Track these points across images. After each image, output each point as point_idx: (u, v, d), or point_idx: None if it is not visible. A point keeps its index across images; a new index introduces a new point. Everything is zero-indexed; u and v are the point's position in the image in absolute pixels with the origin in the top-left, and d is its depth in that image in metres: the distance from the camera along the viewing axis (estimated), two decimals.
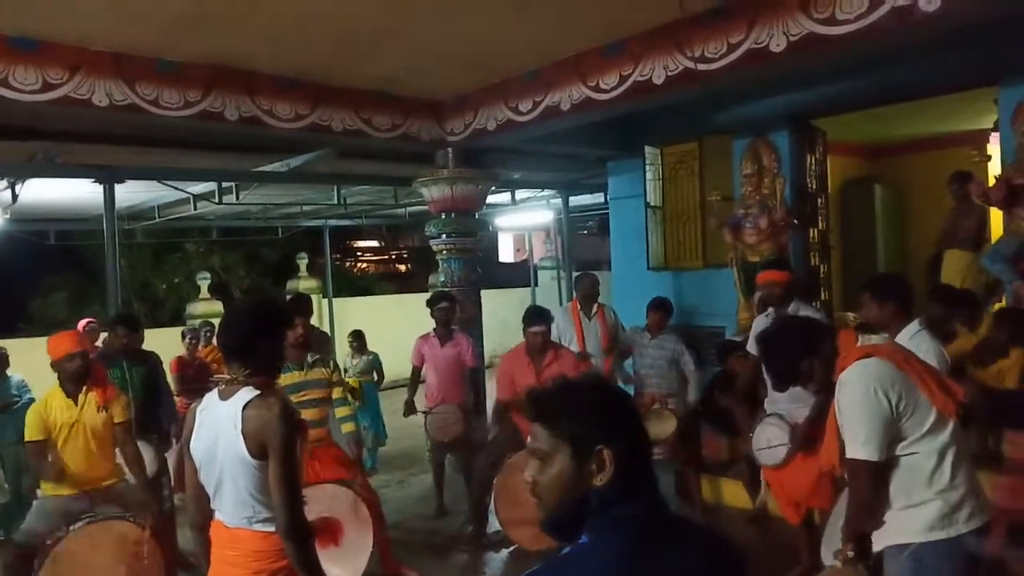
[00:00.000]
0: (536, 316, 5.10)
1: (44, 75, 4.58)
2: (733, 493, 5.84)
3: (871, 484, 2.54)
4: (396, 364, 8.32)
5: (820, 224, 7.16)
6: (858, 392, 2.53)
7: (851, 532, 2.62)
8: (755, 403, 5.16)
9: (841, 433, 2.61)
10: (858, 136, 8.77)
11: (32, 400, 6.09)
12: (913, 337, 3.19)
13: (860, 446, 2.50)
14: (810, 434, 4.04)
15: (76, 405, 4.18)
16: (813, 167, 7.07)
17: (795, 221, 6.64)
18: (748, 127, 6.87)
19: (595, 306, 6.34)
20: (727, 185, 7.17)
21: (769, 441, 4.32)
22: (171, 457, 5.44)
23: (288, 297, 7.03)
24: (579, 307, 6.35)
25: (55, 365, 4.19)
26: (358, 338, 7.72)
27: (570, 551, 1.39)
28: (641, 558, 1.35)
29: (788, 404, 4.32)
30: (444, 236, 7.18)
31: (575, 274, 7.99)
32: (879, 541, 2.62)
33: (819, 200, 7.18)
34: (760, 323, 4.72)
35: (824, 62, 4.83)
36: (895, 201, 9.34)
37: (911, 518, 2.53)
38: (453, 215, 7.12)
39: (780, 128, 6.76)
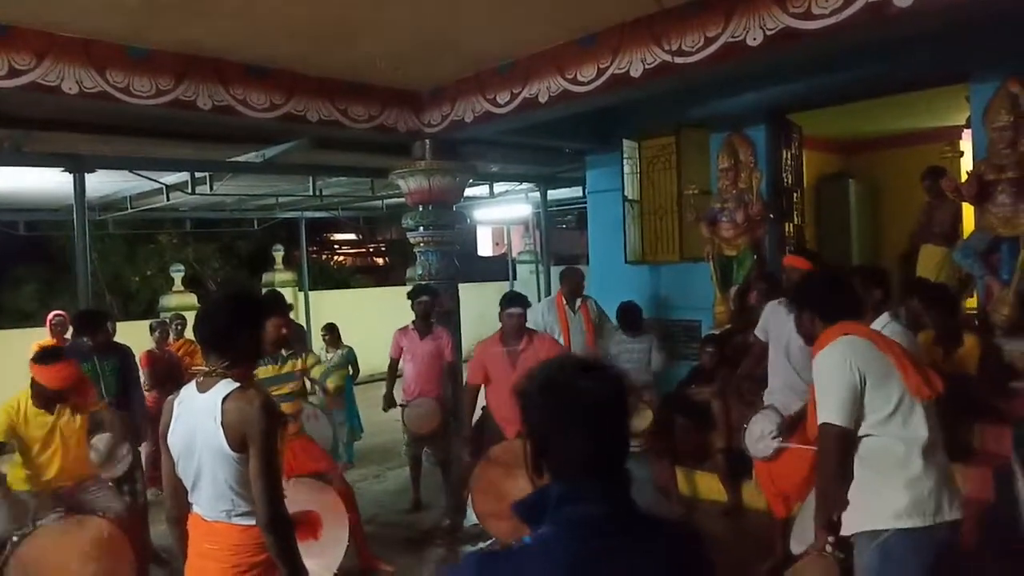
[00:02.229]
0: (514, 299, 5.11)
1: (11, 61, 4.47)
2: (708, 486, 5.88)
3: (837, 449, 2.58)
4: (372, 358, 8.28)
5: (795, 219, 7.23)
6: (831, 363, 2.63)
7: (821, 509, 2.65)
8: (742, 395, 5.21)
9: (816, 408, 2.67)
10: (833, 131, 8.85)
11: None
12: (884, 328, 3.22)
13: (828, 411, 2.58)
14: (802, 425, 4.06)
15: (51, 413, 4.11)
16: (789, 162, 7.13)
17: (771, 215, 6.69)
18: (725, 121, 6.90)
19: (579, 300, 6.42)
20: (704, 179, 7.21)
21: (762, 432, 4.34)
22: (144, 451, 5.38)
23: (264, 291, 6.95)
24: (564, 300, 6.41)
25: (39, 386, 4.05)
26: (332, 331, 7.65)
27: (525, 543, 1.37)
28: (588, 557, 1.33)
29: (783, 396, 4.34)
30: (421, 228, 7.14)
31: (560, 268, 8.01)
32: (849, 526, 2.62)
33: (795, 195, 7.25)
34: (773, 309, 4.72)
35: (800, 56, 4.86)
36: (869, 196, 9.45)
37: (881, 503, 2.54)
38: (431, 207, 7.08)
39: (757, 123, 6.81)
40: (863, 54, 5.22)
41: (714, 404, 5.63)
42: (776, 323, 4.67)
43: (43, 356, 4.09)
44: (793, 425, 4.24)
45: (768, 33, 4.33)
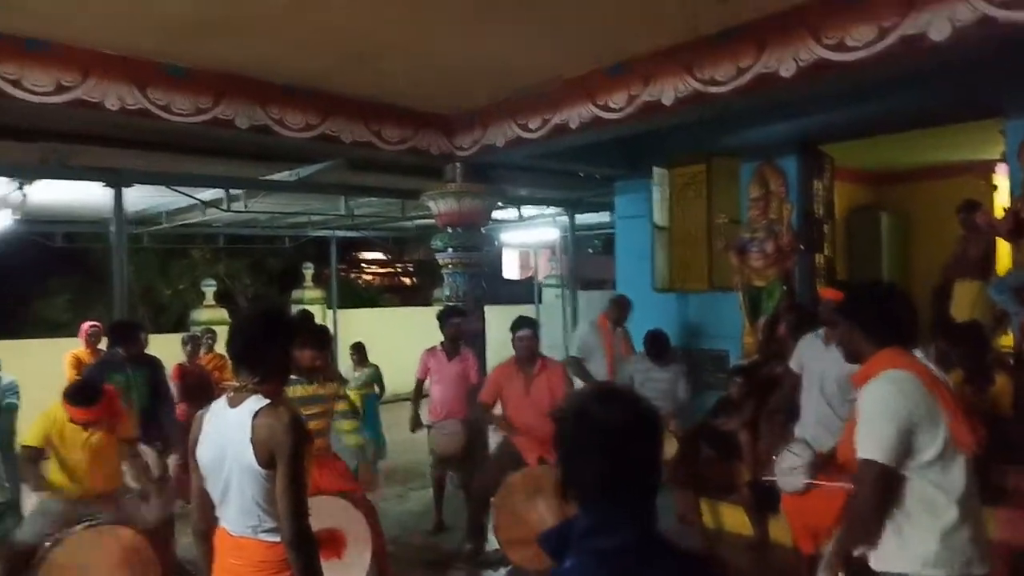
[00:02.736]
0: (523, 323, 5.14)
1: (57, 77, 4.61)
2: (733, 518, 5.79)
3: (876, 489, 2.41)
4: (398, 377, 8.30)
5: (826, 250, 7.17)
6: (881, 395, 2.46)
7: (845, 542, 2.51)
8: (771, 427, 5.14)
9: (856, 439, 2.51)
10: (865, 163, 8.79)
11: (13, 406, 6.04)
12: None
13: (872, 446, 2.41)
14: (835, 462, 3.98)
15: (85, 430, 4.18)
16: (820, 193, 7.09)
17: (801, 246, 6.64)
18: (756, 151, 6.89)
19: (620, 328, 6.77)
20: (734, 208, 7.19)
21: (792, 468, 4.28)
22: (172, 463, 5.43)
23: (301, 314, 7.01)
24: (609, 325, 6.66)
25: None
26: (359, 351, 7.71)
27: (552, 573, 1.39)
28: None
29: (816, 430, 4.28)
30: (450, 250, 7.20)
31: (587, 292, 8.05)
32: (875, 562, 2.54)
33: (825, 226, 7.19)
34: (808, 341, 4.68)
35: (833, 88, 4.84)
36: (900, 229, 9.34)
37: (911, 547, 2.46)
38: (460, 229, 7.14)
39: (788, 153, 6.79)
40: (897, 86, 5.20)
41: (741, 435, 5.57)
42: (811, 356, 4.61)
43: (75, 396, 4.12)
44: (826, 462, 4.17)
45: (801, 64, 4.34)
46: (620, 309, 6.79)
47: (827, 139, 6.88)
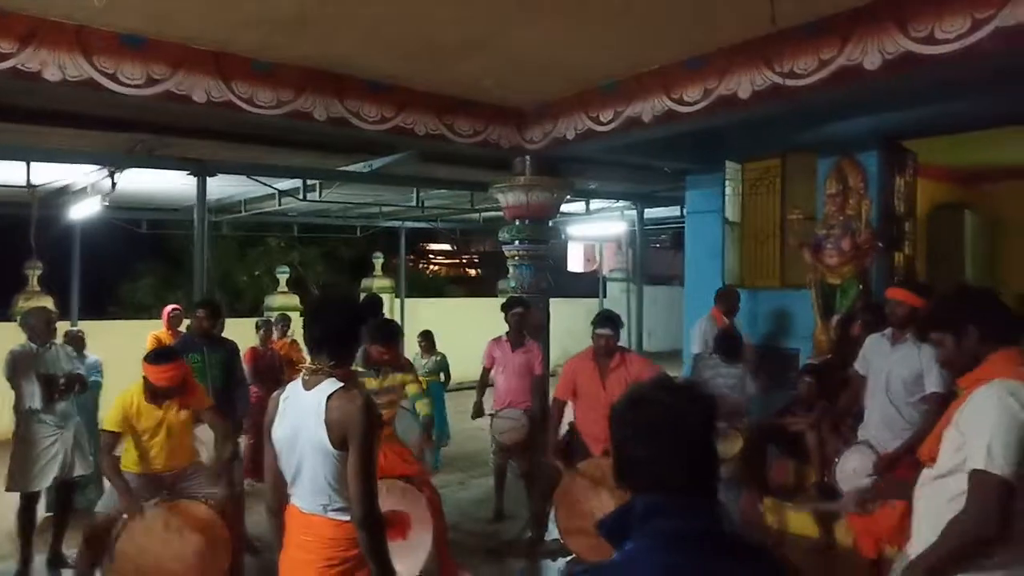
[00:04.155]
0: (605, 320, 5.06)
1: (149, 71, 4.81)
2: (798, 520, 5.68)
3: (997, 503, 2.10)
4: (462, 366, 8.40)
5: (906, 249, 6.93)
6: (995, 405, 2.20)
7: (939, 557, 2.21)
8: (838, 429, 5.03)
9: (955, 449, 2.28)
10: (950, 160, 8.43)
11: (98, 384, 6.31)
12: None
13: (988, 457, 2.13)
14: (899, 465, 3.88)
15: (160, 407, 4.35)
16: (902, 189, 6.85)
17: (880, 244, 6.43)
18: (835, 145, 6.69)
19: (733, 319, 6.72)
20: (809, 204, 7.01)
21: (855, 470, 4.18)
22: (243, 443, 5.63)
23: (370, 297, 7.15)
24: (722, 318, 6.62)
25: (148, 382, 4.28)
26: (427, 338, 7.83)
27: (614, 559, 1.39)
28: (676, 571, 1.33)
29: (879, 432, 4.18)
30: (517, 242, 7.23)
31: (652, 287, 7.98)
32: None
33: (906, 224, 6.95)
34: (874, 341, 4.56)
35: (921, 82, 4.65)
36: (987, 229, 8.95)
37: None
38: (527, 222, 7.16)
39: (869, 148, 6.57)
40: (989, 82, 4.97)
41: (809, 436, 5.45)
42: (877, 356, 4.49)
43: (155, 356, 4.34)
44: (890, 464, 4.06)
45: (887, 57, 4.18)
46: (731, 299, 6.76)
47: (912, 135, 6.63)
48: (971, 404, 2.28)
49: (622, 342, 5.11)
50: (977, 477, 2.16)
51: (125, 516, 3.97)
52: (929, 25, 4.00)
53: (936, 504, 2.36)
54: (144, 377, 4.29)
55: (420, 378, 5.29)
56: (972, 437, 2.21)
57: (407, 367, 5.04)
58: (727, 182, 7.70)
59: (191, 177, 6.95)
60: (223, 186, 8.76)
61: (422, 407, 5.00)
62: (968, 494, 2.20)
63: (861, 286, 6.39)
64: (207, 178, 6.96)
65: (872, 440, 4.20)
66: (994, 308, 2.45)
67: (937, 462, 2.38)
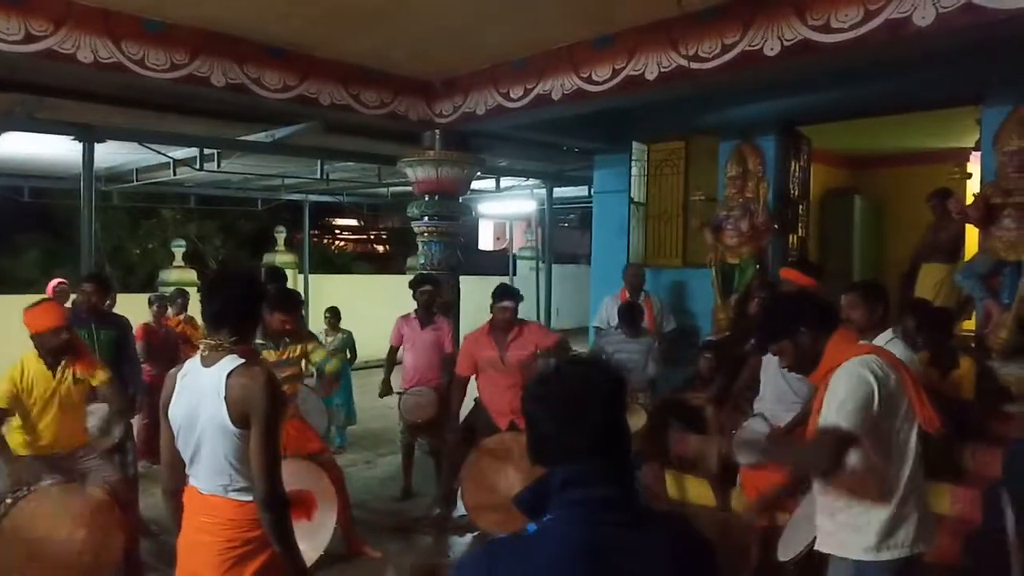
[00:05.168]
0: (504, 292, 5.14)
1: (28, 26, 4.47)
2: (697, 491, 5.89)
3: (835, 448, 2.42)
4: (369, 344, 8.28)
5: (800, 231, 7.25)
6: (849, 376, 2.46)
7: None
8: (737, 404, 5.23)
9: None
10: (842, 146, 8.87)
11: None
12: (887, 344, 3.23)
13: (835, 414, 2.42)
14: (792, 436, 4.07)
15: (54, 377, 4.11)
16: (797, 174, 7.15)
17: (776, 226, 6.70)
18: (736, 129, 6.91)
19: (643, 294, 6.74)
20: (711, 186, 7.23)
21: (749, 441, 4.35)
22: (136, 423, 5.38)
23: (270, 271, 6.93)
24: (628, 295, 6.66)
25: (36, 337, 4.06)
26: (334, 315, 7.68)
27: (528, 531, 1.40)
28: (597, 541, 1.35)
29: (773, 405, 4.36)
30: (426, 218, 7.16)
31: (560, 266, 8.03)
32: (823, 544, 2.62)
33: (800, 207, 7.26)
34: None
35: (815, 69, 4.87)
36: (874, 213, 9.46)
37: (855, 532, 2.51)
38: (437, 197, 7.09)
39: (767, 132, 6.82)
40: (878, 70, 5.23)
41: (708, 410, 5.65)
42: None
43: (35, 303, 4.15)
44: (782, 436, 4.25)
45: (786, 44, 4.35)
46: (631, 276, 6.84)
47: (807, 120, 6.92)
48: (832, 382, 2.51)
49: (533, 319, 5.17)
50: (821, 429, 2.49)
51: (9, 500, 3.73)
52: (826, 14, 4.17)
53: None
54: (32, 337, 4.05)
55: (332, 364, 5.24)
56: (827, 403, 2.49)
57: (309, 336, 4.93)
58: (633, 163, 7.84)
59: (77, 143, 6.53)
60: (113, 153, 8.28)
61: (331, 366, 4.94)
62: (813, 442, 2.56)
63: (758, 266, 6.66)
64: (95, 144, 6.55)
65: (767, 413, 4.39)
66: (812, 305, 2.70)
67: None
